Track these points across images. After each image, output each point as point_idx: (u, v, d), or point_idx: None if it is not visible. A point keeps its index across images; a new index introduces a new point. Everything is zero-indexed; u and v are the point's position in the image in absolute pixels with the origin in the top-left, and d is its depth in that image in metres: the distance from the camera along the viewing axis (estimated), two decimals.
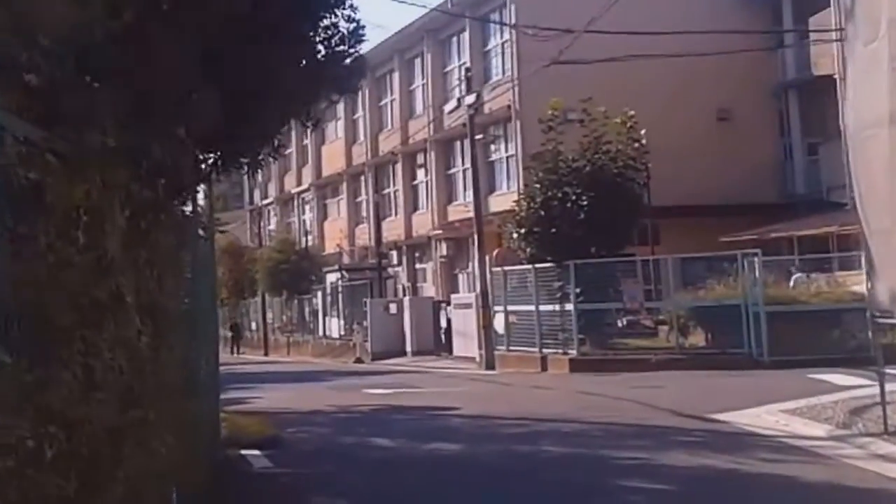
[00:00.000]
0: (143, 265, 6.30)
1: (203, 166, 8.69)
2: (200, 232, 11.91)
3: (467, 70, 38.76)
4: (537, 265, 32.14)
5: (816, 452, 13.50)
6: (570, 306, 30.94)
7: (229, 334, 61.69)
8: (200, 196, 13.82)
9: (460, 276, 51.23)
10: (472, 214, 47.18)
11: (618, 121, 31.83)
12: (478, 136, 46.58)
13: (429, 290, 53.21)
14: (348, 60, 10.02)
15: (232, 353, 58.68)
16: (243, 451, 14.93)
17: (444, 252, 51.40)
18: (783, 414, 17.23)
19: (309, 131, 12.39)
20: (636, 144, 32.08)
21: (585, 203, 30.73)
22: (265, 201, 76.78)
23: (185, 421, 9.07)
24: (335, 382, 30.93)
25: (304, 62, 9.50)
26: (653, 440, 15.24)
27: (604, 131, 31.78)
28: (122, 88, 5.43)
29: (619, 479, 12.51)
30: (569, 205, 31.03)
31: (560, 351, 31.57)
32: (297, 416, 20.82)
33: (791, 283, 30.81)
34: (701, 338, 31.15)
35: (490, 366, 33.68)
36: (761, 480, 11.96)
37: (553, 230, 31.22)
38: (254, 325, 65.17)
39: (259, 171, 15.99)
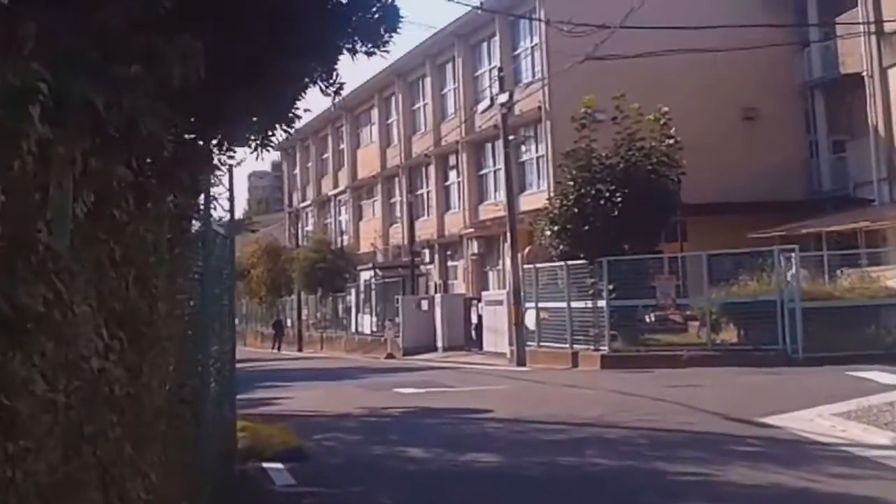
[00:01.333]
0: (111, 264, 4.54)
1: (200, 142, 6.79)
2: (219, 229, 10.24)
3: (499, 70, 37.04)
4: (569, 262, 30.44)
5: (888, 465, 11.72)
6: (602, 303, 29.29)
7: (272, 331, 60.70)
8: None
9: (490, 274, 49.83)
10: (502, 213, 46.00)
11: (651, 117, 30.08)
12: (509, 137, 45.28)
13: (460, 287, 51.70)
14: (377, 5, 7.85)
15: (273, 348, 57.68)
16: (265, 465, 13.18)
17: (475, 250, 50.02)
18: (837, 418, 15.55)
19: (332, 101, 9.91)
20: (670, 141, 30.22)
21: (619, 200, 29.02)
22: (303, 203, 75.28)
23: (185, 443, 7.36)
24: (366, 380, 29.20)
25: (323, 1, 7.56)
26: (707, 450, 13.42)
27: (637, 128, 30.02)
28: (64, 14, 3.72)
29: (684, 502, 10.69)
30: (602, 202, 29.34)
31: (591, 347, 29.93)
32: (326, 421, 19.08)
33: (835, 278, 28.89)
34: (732, 334, 29.39)
35: (521, 362, 31.94)
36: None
37: (586, 227, 29.50)
38: (289, 322, 63.65)
39: (268, 148, 14.57)
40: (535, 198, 40.83)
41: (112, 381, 4.63)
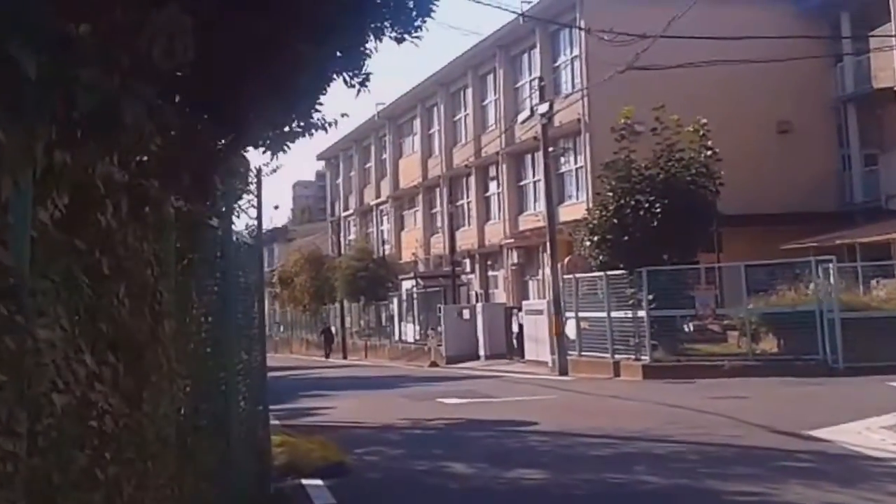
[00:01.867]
0: (96, 279, 3.82)
1: (207, 139, 5.91)
2: (243, 237, 9.52)
3: (540, 80, 36.22)
4: (609, 272, 29.62)
5: None
6: (642, 313, 28.46)
7: (321, 338, 60.06)
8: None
9: (530, 283, 49.05)
10: (542, 224, 45.32)
11: (690, 129, 29.25)
12: (549, 149, 44.51)
13: (500, 296, 50.99)
14: None
15: (324, 356, 57.04)
16: (304, 482, 12.43)
17: (515, 260, 49.29)
18: (887, 431, 14.86)
19: (356, 93, 8.86)
20: (708, 152, 29.36)
21: (658, 210, 28.18)
22: (346, 213, 74.77)
23: (206, 470, 6.62)
24: (409, 389, 28.46)
25: None
26: (759, 466, 12.61)
27: (677, 139, 29.19)
28: None
29: None
30: (641, 212, 28.49)
31: (632, 357, 29.10)
32: (368, 433, 18.38)
33: (871, 289, 28.05)
34: (771, 344, 28.51)
35: (563, 371, 31.10)
36: None
37: (625, 237, 28.68)
38: (333, 330, 63.06)
39: (286, 149, 13.93)
40: (574, 209, 40.16)
41: (102, 414, 3.92)
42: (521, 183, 50.14)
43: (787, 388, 23.03)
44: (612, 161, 29.93)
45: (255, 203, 11.48)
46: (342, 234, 69.54)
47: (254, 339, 10.94)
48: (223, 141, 6.55)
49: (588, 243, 30.08)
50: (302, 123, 7.46)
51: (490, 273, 53.77)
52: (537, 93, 35.92)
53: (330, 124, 16.63)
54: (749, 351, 27.75)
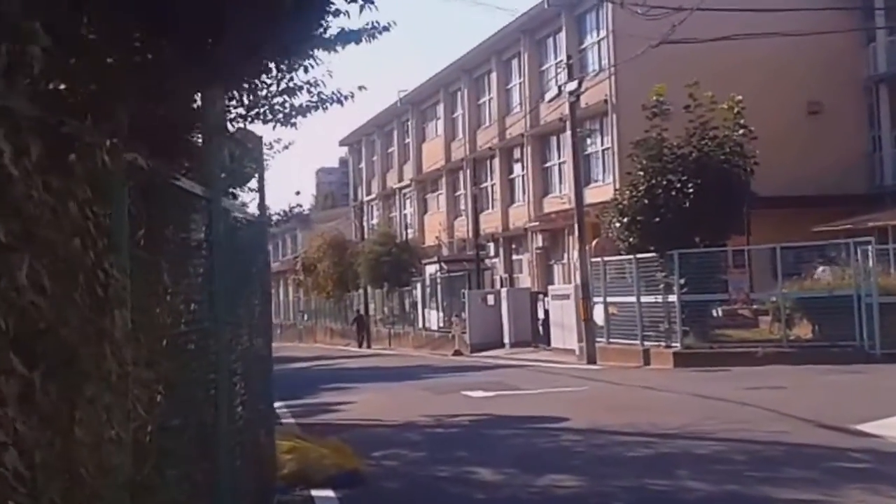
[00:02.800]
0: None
1: (178, 79, 4.71)
2: (241, 213, 8.43)
3: (568, 58, 35.04)
4: (639, 255, 28.47)
5: None
6: (673, 297, 27.27)
7: (353, 326, 58.22)
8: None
9: (556, 267, 47.96)
10: (568, 206, 44.31)
11: (724, 106, 28.01)
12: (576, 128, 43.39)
13: (525, 280, 49.96)
14: None
15: (360, 346, 55.22)
16: (314, 493, 11.34)
17: (540, 243, 48.24)
18: None
19: (359, 11, 7.70)
20: (742, 131, 28.11)
21: (691, 190, 26.96)
22: (368, 197, 73.73)
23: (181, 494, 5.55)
24: (433, 381, 27.38)
25: None
26: (812, 467, 11.49)
27: (711, 116, 27.95)
28: None
29: None
30: (673, 193, 27.28)
31: (662, 344, 27.91)
32: (388, 432, 17.27)
33: None
34: (805, 329, 27.26)
35: (591, 360, 29.98)
36: None
37: (656, 219, 27.47)
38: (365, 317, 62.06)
39: (295, 122, 13.15)
40: (601, 191, 39.10)
41: None
42: (546, 165, 49.11)
43: (825, 376, 21.85)
44: (642, 139, 28.72)
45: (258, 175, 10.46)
46: (365, 219, 68.49)
47: (257, 331, 9.87)
48: (196, 82, 5.36)
49: (617, 225, 28.86)
50: (295, 50, 6.23)
51: (514, 257, 52.74)
52: (564, 73, 34.82)
53: (346, 97, 15.40)
54: (783, 337, 26.51)
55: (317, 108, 15.69)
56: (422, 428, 17.55)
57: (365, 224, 66.79)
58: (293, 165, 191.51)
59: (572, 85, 31.43)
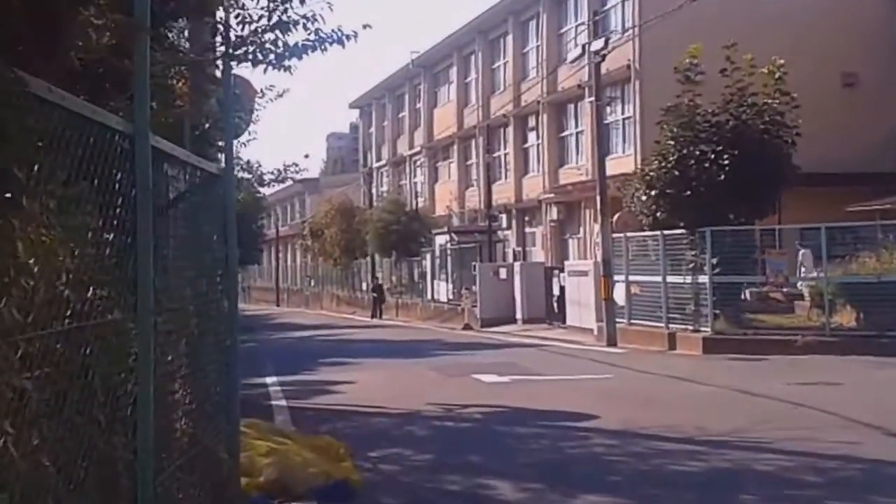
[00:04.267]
0: None
1: None
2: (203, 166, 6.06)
3: (594, 13, 32.37)
4: (666, 231, 26.00)
5: None
6: (704, 278, 24.80)
7: (372, 296, 53.75)
8: None
9: (570, 242, 45.34)
10: (585, 178, 41.75)
11: (764, 70, 25.40)
12: (592, 99, 40.75)
13: (538, 254, 47.36)
14: None
15: (373, 317, 51.05)
16: None
17: (555, 216, 45.52)
18: None
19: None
20: (785, 97, 25.50)
21: (727, 162, 24.42)
22: (378, 164, 71.13)
23: None
24: (441, 359, 24.94)
25: None
26: None
27: (749, 82, 25.36)
28: None
29: None
30: (706, 164, 24.75)
31: (690, 328, 25.42)
32: (390, 424, 14.83)
33: None
34: (848, 317, 24.57)
35: (612, 342, 27.48)
36: None
37: (688, 192, 24.96)
38: (364, 286, 59.58)
39: (289, 65, 11.78)
40: (621, 162, 36.38)
41: None
42: (563, 134, 46.40)
43: (881, 371, 19.40)
44: (673, 105, 26.07)
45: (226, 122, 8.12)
46: (374, 186, 66.00)
47: (215, 318, 7.47)
48: None
49: (644, 198, 26.30)
50: None
51: (527, 230, 50.07)
52: (584, 35, 32.35)
53: (348, 37, 13.03)
54: (824, 325, 24.03)
55: (314, 47, 13.48)
56: (429, 420, 15.04)
57: (374, 191, 64.30)
58: (303, 129, 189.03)
59: (598, 43, 28.73)
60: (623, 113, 39.92)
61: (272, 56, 13.02)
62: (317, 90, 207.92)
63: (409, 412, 15.70)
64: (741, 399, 16.01)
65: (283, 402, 17.22)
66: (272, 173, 43.37)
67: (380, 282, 53.95)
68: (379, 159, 71.79)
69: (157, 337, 5.28)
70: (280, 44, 13.18)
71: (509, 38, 50.91)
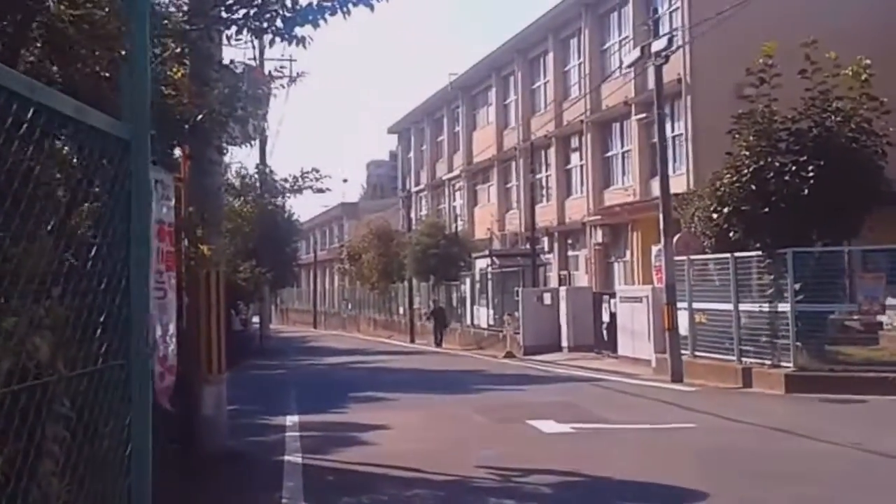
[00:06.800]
0: None
1: None
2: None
3: (654, 11, 28.38)
4: (738, 253, 21.95)
5: None
6: (784, 306, 20.69)
7: (431, 322, 46.96)
8: None
9: (616, 265, 41.35)
10: (633, 198, 37.91)
11: (848, 72, 21.28)
12: (640, 116, 36.97)
13: (581, 279, 43.36)
14: None
15: (437, 344, 44.40)
16: None
17: (600, 239, 41.56)
18: None
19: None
20: (873, 102, 21.34)
21: (812, 174, 20.33)
22: (417, 188, 67.33)
23: None
24: (487, 397, 20.94)
25: None
26: None
27: (834, 84, 21.24)
28: None
29: None
30: (787, 177, 20.66)
31: (768, 362, 21.29)
32: (430, 500, 10.80)
33: None
34: None
35: (677, 377, 23.28)
36: None
37: (765, 209, 20.87)
38: (401, 310, 55.60)
39: (300, 37, 9.39)
40: (672, 182, 32.10)
41: None
42: (608, 154, 42.44)
43: None
44: (747, 112, 21.98)
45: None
46: (413, 210, 62.20)
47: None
48: None
49: (715, 216, 22.15)
50: None
51: (570, 253, 46.08)
52: (628, 47, 28.46)
53: None
54: None
55: (333, 9, 9.58)
56: (481, 495, 11.01)
57: (413, 215, 60.46)
58: (344, 157, 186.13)
59: (660, 43, 24.57)
60: (673, 130, 35.88)
61: (279, 22, 9.36)
62: (356, 116, 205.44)
63: (455, 480, 11.66)
64: (879, 463, 11.84)
65: (298, 459, 13.29)
66: (286, 180, 39.18)
67: (441, 304, 47.91)
68: (417, 183, 68.01)
69: None
70: (288, 2, 9.41)
71: (549, 56, 47.06)
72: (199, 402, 13.04)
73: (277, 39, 9.41)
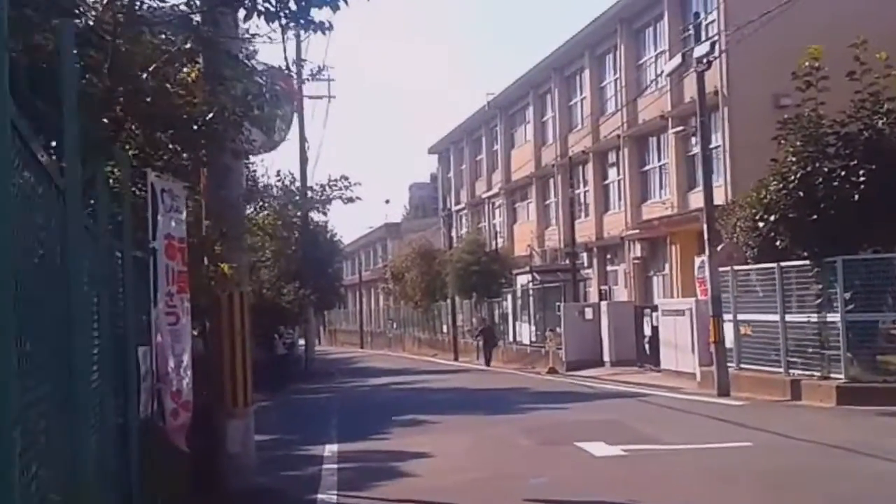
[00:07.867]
0: None
1: None
2: None
3: (696, 16, 27.00)
4: (784, 263, 20.56)
5: None
6: (834, 316, 19.30)
7: (479, 342, 44.39)
8: None
9: (655, 279, 39.89)
10: (671, 212, 36.51)
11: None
12: (677, 129, 35.51)
13: (620, 293, 41.99)
14: None
15: (488, 364, 41.49)
16: None
17: (638, 253, 40.15)
18: None
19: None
20: None
21: (863, 179, 18.93)
22: (457, 207, 66.19)
23: None
24: (532, 417, 19.70)
25: None
26: None
27: (885, 84, 19.79)
28: None
29: None
30: (836, 183, 19.27)
31: (817, 374, 19.88)
32: None
33: None
34: None
35: (723, 391, 21.93)
36: None
37: (814, 217, 19.47)
38: (444, 328, 54.42)
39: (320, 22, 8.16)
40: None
41: None
42: (645, 168, 41.07)
43: None
44: (793, 117, 20.61)
45: None
46: (454, 229, 61.15)
47: None
48: None
49: (761, 224, 20.74)
50: None
51: (609, 268, 44.68)
52: (663, 60, 27.16)
53: None
54: None
55: None
56: None
57: (454, 234, 59.35)
58: (386, 179, 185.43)
59: (702, 49, 23.25)
60: (711, 143, 34.40)
61: (292, 4, 8.11)
62: (398, 138, 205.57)
63: None
64: None
65: (333, 497, 12.01)
66: (311, 189, 36.24)
67: (488, 323, 45.34)
68: (458, 202, 66.87)
69: None
70: None
71: (586, 73, 45.75)
72: (223, 439, 11.80)
73: (292, 25, 8.26)
